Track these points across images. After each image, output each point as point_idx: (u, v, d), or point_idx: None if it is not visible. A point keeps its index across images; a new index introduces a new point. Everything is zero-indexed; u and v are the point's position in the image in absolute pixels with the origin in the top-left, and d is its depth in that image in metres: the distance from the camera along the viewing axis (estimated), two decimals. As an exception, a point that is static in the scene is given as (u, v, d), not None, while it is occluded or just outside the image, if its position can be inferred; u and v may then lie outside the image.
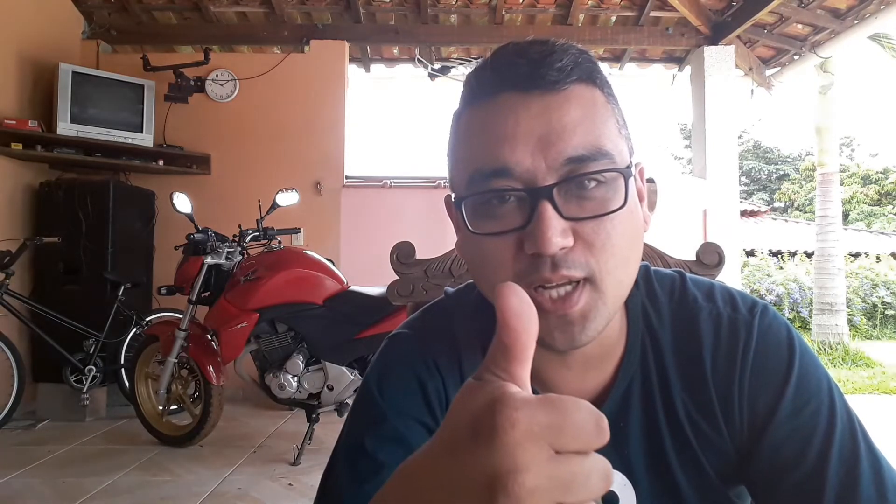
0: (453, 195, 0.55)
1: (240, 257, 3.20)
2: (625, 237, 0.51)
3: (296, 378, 3.00)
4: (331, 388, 2.97)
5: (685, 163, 18.74)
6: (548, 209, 0.48)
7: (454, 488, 0.28)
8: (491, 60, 0.53)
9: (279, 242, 3.29)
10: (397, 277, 1.04)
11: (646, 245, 1.00)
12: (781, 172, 20.82)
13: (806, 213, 17.38)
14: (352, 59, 4.98)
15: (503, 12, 4.73)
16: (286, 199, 3.24)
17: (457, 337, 0.62)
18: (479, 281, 0.56)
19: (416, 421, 0.57)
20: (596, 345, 0.56)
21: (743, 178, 20.13)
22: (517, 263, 0.50)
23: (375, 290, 3.00)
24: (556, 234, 0.48)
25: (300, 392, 3.01)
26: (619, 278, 0.51)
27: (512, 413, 0.27)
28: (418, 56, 5.19)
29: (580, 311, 0.50)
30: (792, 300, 8.79)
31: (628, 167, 0.51)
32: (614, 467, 0.57)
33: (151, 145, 4.26)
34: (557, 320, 0.50)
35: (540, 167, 0.49)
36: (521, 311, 0.30)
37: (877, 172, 18.80)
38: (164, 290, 3.32)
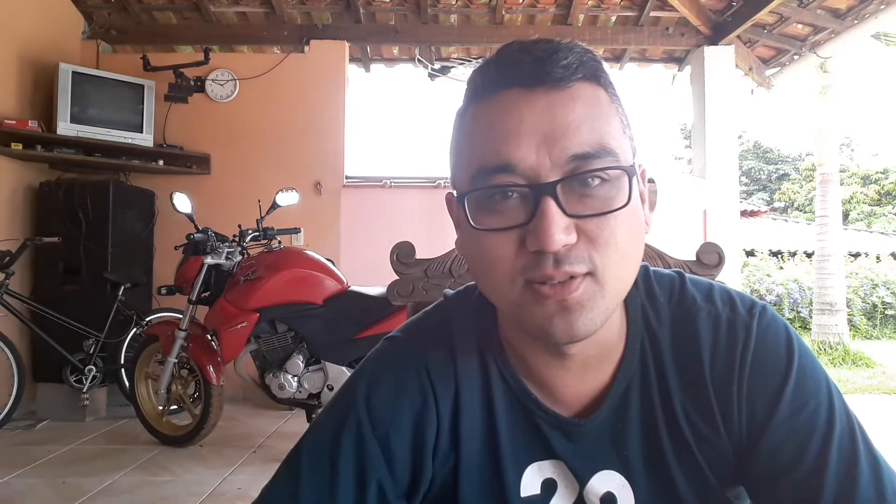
0: (455, 192, 0.55)
1: (240, 257, 3.20)
2: (628, 235, 0.50)
3: (296, 378, 3.00)
4: (331, 388, 2.97)
5: (685, 163, 18.73)
6: (551, 206, 0.48)
7: None
8: (496, 58, 0.53)
9: (279, 242, 3.29)
10: (397, 277, 1.04)
11: (646, 245, 1.00)
12: (781, 172, 20.82)
13: (806, 213, 17.37)
14: (352, 59, 4.98)
15: (503, 12, 4.73)
16: (286, 199, 3.24)
17: (453, 341, 0.62)
18: (480, 278, 0.56)
19: (397, 430, 0.57)
20: (595, 346, 0.56)
21: (743, 178, 20.12)
22: (519, 260, 0.50)
23: (375, 290, 3.00)
24: (559, 230, 0.47)
25: (300, 392, 3.00)
26: (621, 275, 0.51)
27: None
28: (418, 56, 5.18)
29: (578, 299, 0.49)
30: (792, 300, 8.79)
31: (632, 166, 0.51)
32: (612, 468, 0.58)
33: (151, 145, 4.26)
34: (556, 305, 0.49)
35: (544, 163, 0.48)
36: None
37: (877, 172, 18.78)
38: (164, 290, 3.32)
